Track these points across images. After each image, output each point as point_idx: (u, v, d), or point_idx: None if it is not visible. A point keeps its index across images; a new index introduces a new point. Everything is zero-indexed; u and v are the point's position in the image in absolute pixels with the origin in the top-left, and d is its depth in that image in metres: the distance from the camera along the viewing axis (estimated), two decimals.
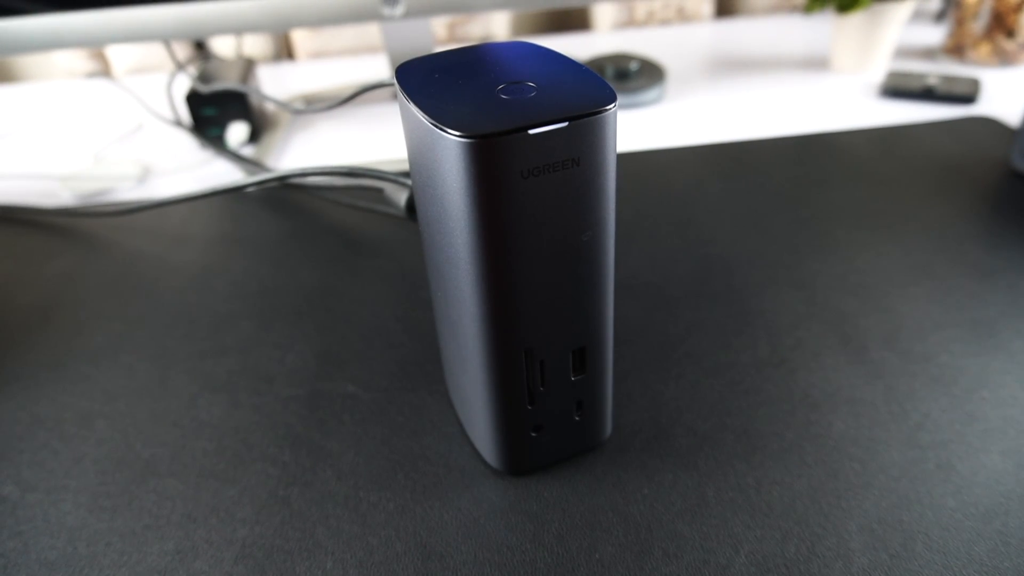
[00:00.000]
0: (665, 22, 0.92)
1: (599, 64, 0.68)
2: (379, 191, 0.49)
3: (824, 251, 0.42)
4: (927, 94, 0.61)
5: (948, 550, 0.25)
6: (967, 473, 0.28)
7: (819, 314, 0.37)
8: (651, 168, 0.53)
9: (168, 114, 0.70)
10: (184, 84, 0.78)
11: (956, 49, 0.70)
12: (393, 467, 0.30)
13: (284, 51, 0.90)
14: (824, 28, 0.81)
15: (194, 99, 0.61)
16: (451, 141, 0.19)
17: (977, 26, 0.68)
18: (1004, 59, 0.68)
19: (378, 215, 0.48)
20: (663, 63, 0.71)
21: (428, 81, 0.22)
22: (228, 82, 0.61)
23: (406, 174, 0.51)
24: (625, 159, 0.54)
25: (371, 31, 0.89)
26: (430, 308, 0.39)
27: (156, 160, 0.61)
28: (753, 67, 0.72)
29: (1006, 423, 0.30)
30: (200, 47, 0.76)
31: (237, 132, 0.61)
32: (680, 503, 0.28)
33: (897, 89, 0.62)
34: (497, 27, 0.90)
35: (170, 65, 0.86)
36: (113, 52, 0.86)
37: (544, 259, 0.22)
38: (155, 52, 0.85)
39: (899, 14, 0.64)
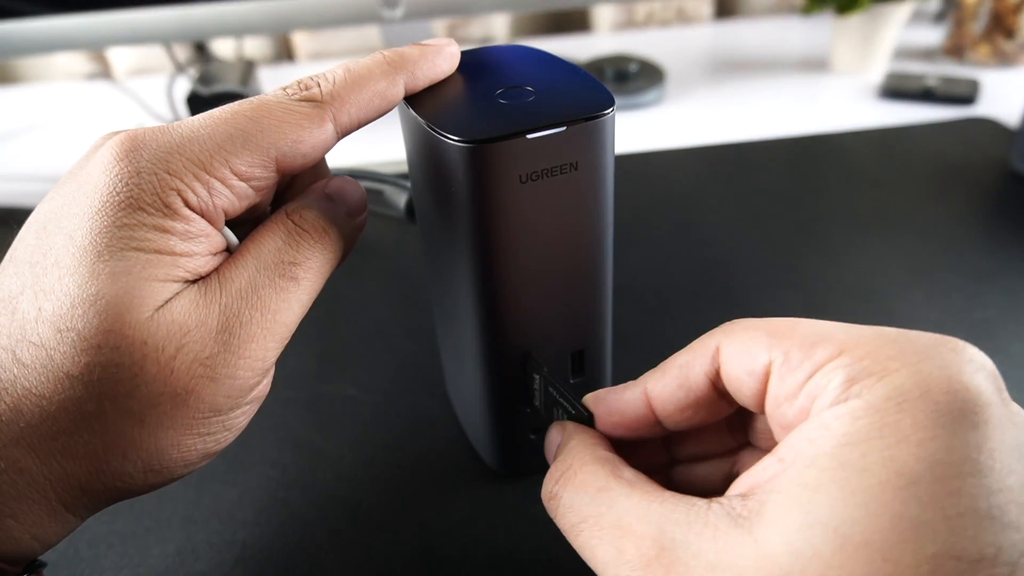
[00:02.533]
0: (665, 23, 0.92)
1: (599, 65, 0.68)
2: (379, 193, 0.49)
3: (823, 253, 0.42)
4: (926, 95, 0.61)
5: None
6: None
7: (818, 316, 0.37)
8: (650, 170, 0.53)
9: (169, 116, 0.71)
10: (184, 86, 0.78)
11: (955, 50, 0.70)
12: (393, 469, 0.30)
13: (284, 53, 0.90)
14: (823, 29, 0.81)
15: (195, 101, 0.61)
16: (450, 146, 0.19)
17: (976, 27, 0.68)
18: (1003, 60, 0.68)
19: (378, 216, 0.49)
20: (663, 64, 0.71)
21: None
22: (229, 84, 0.61)
23: (405, 176, 0.51)
24: (624, 160, 0.54)
25: (371, 33, 0.89)
26: (430, 310, 0.39)
27: None
28: (753, 68, 0.72)
29: None
30: (200, 49, 0.76)
31: None
32: None
33: (896, 90, 0.62)
34: (497, 28, 0.90)
35: (170, 67, 0.86)
36: (113, 54, 0.86)
37: (543, 262, 0.22)
38: (155, 54, 0.86)
39: (898, 15, 0.64)
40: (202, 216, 0.18)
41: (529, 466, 0.29)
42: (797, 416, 0.16)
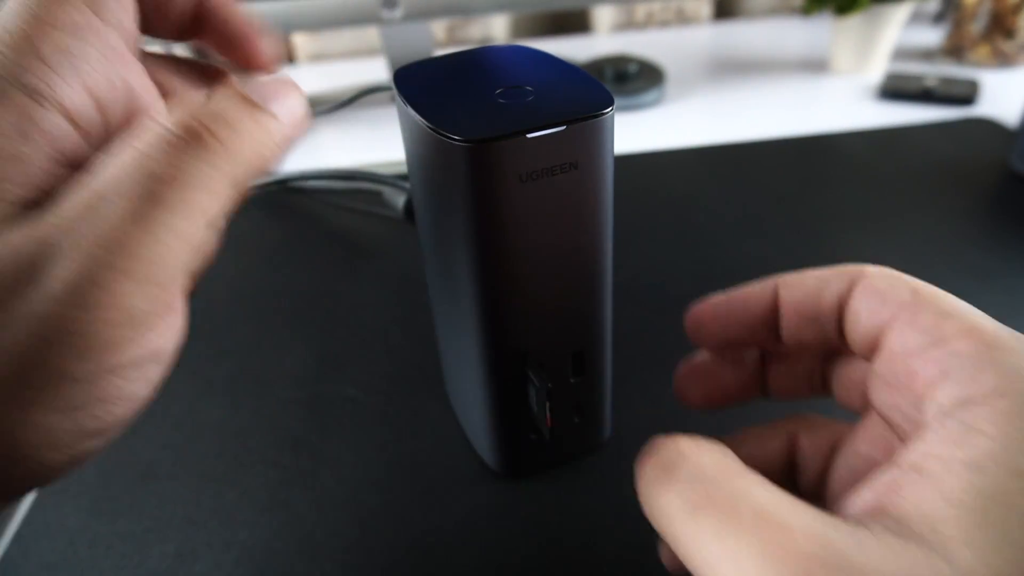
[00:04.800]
0: (664, 24, 0.92)
1: (598, 66, 0.68)
2: (378, 194, 0.49)
3: (823, 253, 0.42)
4: (926, 95, 0.61)
5: None
6: None
7: None
8: (650, 170, 0.53)
9: None
10: None
11: (955, 50, 0.70)
12: (393, 470, 0.30)
13: (284, 54, 0.90)
14: (823, 29, 0.81)
15: None
16: (449, 145, 0.19)
17: (976, 27, 0.68)
18: (1003, 60, 0.68)
19: (377, 217, 0.49)
20: (662, 65, 0.71)
21: (426, 86, 0.22)
22: None
23: (404, 177, 0.51)
24: (624, 161, 0.54)
25: (371, 34, 0.89)
26: (429, 310, 0.39)
27: None
28: (752, 69, 0.72)
29: None
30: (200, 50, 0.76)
31: None
32: None
33: (896, 90, 0.62)
34: (496, 29, 0.90)
35: None
36: None
37: (542, 263, 0.22)
38: None
39: (898, 15, 0.64)
40: None
41: (529, 467, 0.29)
42: (910, 377, 0.16)
